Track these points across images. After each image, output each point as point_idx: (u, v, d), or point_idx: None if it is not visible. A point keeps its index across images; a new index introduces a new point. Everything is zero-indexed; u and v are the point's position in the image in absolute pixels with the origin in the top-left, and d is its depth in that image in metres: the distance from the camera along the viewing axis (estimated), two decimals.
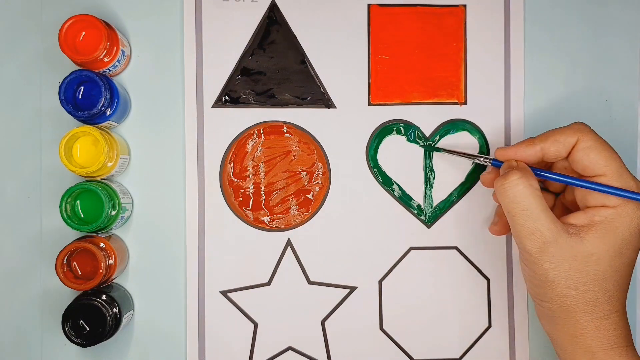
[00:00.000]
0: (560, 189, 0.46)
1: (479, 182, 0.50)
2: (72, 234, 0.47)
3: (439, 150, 0.49)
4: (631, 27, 0.51)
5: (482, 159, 0.46)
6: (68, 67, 0.46)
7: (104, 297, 0.45)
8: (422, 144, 0.50)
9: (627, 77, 0.51)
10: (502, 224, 0.48)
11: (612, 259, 0.40)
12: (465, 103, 0.50)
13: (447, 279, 0.50)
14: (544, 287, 0.41)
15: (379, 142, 0.50)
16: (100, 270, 0.44)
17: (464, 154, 0.48)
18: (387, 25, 0.50)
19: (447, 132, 0.50)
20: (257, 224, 0.49)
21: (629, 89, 0.51)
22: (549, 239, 0.40)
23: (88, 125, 0.45)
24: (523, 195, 0.41)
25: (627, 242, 0.41)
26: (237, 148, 0.49)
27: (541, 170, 0.44)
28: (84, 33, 0.46)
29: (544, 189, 0.47)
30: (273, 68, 0.49)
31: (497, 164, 0.45)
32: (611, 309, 0.41)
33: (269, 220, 0.49)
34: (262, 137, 0.50)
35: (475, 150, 0.50)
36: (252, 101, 0.49)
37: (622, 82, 0.51)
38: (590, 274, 0.40)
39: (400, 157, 0.50)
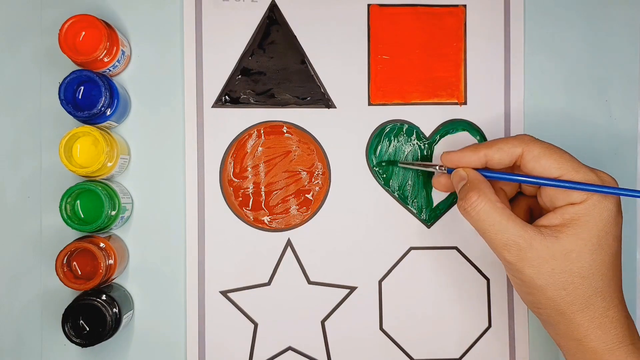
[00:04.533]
0: (535, 191, 0.46)
1: None
2: (72, 234, 0.47)
3: (395, 164, 0.50)
4: (631, 27, 0.51)
5: (437, 167, 0.46)
6: (68, 67, 0.46)
7: (104, 297, 0.45)
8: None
9: (627, 77, 0.51)
10: (445, 179, 0.47)
11: (592, 252, 0.40)
12: (465, 103, 0.50)
13: (447, 279, 0.50)
14: (534, 294, 0.41)
15: (379, 142, 0.50)
16: (100, 270, 0.44)
17: (421, 164, 0.48)
18: (387, 25, 0.50)
19: (447, 132, 0.50)
20: (257, 224, 0.49)
21: (629, 89, 0.51)
22: (523, 245, 0.40)
23: (88, 125, 0.45)
24: (486, 213, 0.41)
25: (603, 233, 0.40)
26: (237, 148, 0.49)
27: (492, 172, 0.44)
28: (84, 33, 0.46)
29: (521, 194, 0.47)
30: (273, 68, 0.49)
31: (451, 171, 0.45)
32: (607, 306, 0.41)
33: (269, 220, 0.49)
34: (262, 137, 0.50)
35: None
36: (252, 101, 0.49)
37: (622, 82, 0.51)
38: (574, 271, 0.40)
39: (400, 157, 0.50)
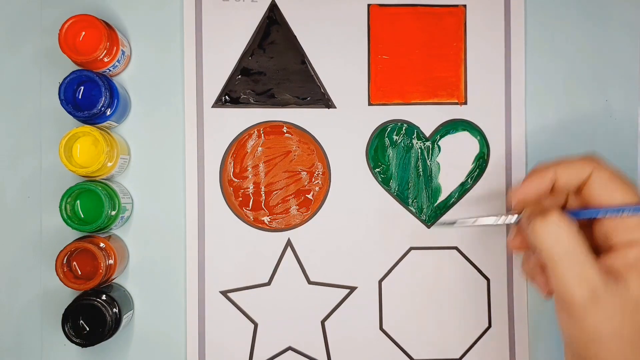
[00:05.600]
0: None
1: (479, 183, 0.50)
2: (72, 234, 0.47)
3: (452, 223, 0.44)
4: (632, 26, 0.51)
5: (502, 218, 0.41)
6: (68, 67, 0.46)
7: (104, 297, 0.45)
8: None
9: (628, 77, 0.51)
10: (522, 237, 0.42)
11: None
12: (465, 103, 0.50)
13: (447, 279, 0.50)
14: (593, 347, 0.35)
15: (379, 142, 0.50)
16: (100, 270, 0.44)
17: (481, 218, 0.42)
18: (387, 25, 0.50)
19: (447, 132, 0.50)
20: (257, 224, 0.49)
21: (629, 89, 0.51)
22: (599, 284, 0.35)
23: (88, 125, 0.45)
24: (566, 237, 0.36)
25: None
26: (237, 148, 0.49)
27: (573, 211, 0.39)
28: (84, 33, 0.46)
29: None
30: (273, 68, 0.49)
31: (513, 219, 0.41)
32: None
33: (269, 220, 0.49)
34: (262, 137, 0.50)
35: (474, 149, 0.50)
36: (252, 101, 0.49)
37: (623, 82, 0.51)
38: None
39: (400, 157, 0.50)
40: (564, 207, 0.41)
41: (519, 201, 0.40)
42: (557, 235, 0.36)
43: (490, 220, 0.41)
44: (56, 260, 0.44)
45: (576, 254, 0.36)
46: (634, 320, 0.35)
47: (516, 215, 0.41)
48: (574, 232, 0.36)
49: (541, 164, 0.40)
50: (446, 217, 0.50)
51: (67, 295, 0.47)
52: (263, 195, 0.49)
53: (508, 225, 0.48)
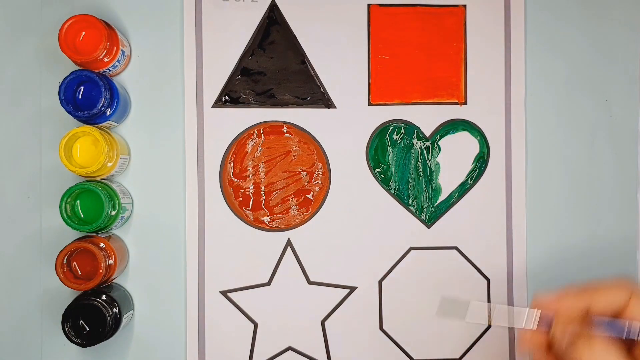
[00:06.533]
0: None
1: (479, 183, 0.50)
2: (72, 234, 0.47)
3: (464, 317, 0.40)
4: (631, 27, 0.51)
5: (529, 321, 0.38)
6: (68, 67, 0.46)
7: (104, 297, 0.45)
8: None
9: (627, 76, 0.51)
10: (542, 339, 0.39)
11: None
12: (465, 103, 0.50)
13: (447, 279, 0.50)
14: None
15: (379, 142, 0.50)
16: (100, 270, 0.44)
17: (504, 320, 0.39)
18: (387, 25, 0.50)
19: (447, 132, 0.50)
20: (257, 224, 0.49)
21: (629, 88, 0.51)
22: None
23: (88, 125, 0.45)
24: None
25: None
26: (237, 148, 0.49)
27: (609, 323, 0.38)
28: (84, 33, 0.46)
29: None
30: (273, 68, 0.49)
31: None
32: None
33: (269, 220, 0.49)
34: (262, 137, 0.50)
35: (474, 149, 0.50)
36: (252, 101, 0.49)
37: (622, 82, 0.51)
38: None
39: (400, 157, 0.50)
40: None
41: (548, 314, 0.39)
42: None
43: (518, 321, 0.38)
44: (56, 260, 0.44)
45: None
46: None
47: (538, 320, 0.38)
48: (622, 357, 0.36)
49: (572, 287, 0.39)
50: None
51: (67, 295, 0.47)
52: (263, 195, 0.49)
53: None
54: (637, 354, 0.38)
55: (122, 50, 0.47)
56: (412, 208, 0.50)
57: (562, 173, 0.50)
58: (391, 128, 0.50)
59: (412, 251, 0.50)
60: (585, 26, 0.51)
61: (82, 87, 0.46)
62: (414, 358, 0.50)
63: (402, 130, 0.50)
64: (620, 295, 0.38)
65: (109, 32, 0.45)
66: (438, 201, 0.50)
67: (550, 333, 0.38)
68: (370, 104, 0.50)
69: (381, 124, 0.50)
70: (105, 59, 0.46)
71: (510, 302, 0.50)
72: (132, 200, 0.49)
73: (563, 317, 0.38)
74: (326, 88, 0.50)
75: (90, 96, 0.46)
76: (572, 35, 0.50)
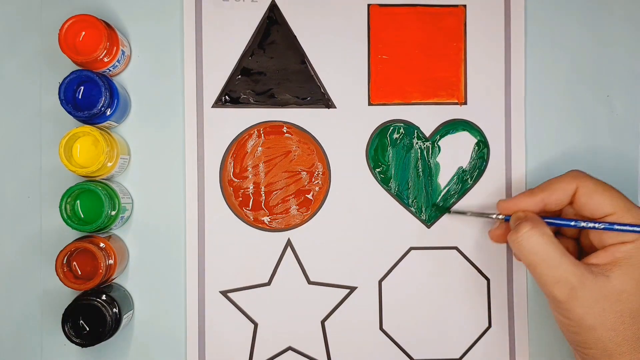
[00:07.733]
0: (576, 233, 0.46)
1: (479, 184, 0.50)
2: (72, 234, 0.47)
3: (448, 211, 0.50)
4: (632, 23, 0.51)
5: (493, 215, 0.46)
6: (68, 67, 0.46)
7: (104, 297, 0.45)
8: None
9: (629, 73, 0.51)
10: (502, 229, 0.47)
11: None
12: (465, 103, 0.50)
13: (447, 279, 0.50)
14: (583, 334, 0.40)
15: (379, 142, 0.50)
16: (100, 270, 0.44)
17: (475, 213, 0.48)
18: (387, 25, 0.50)
19: (447, 132, 0.50)
20: (257, 224, 0.49)
21: (630, 85, 0.51)
22: (575, 283, 0.39)
23: (88, 125, 0.45)
24: (539, 245, 0.40)
25: None
26: (237, 148, 0.49)
27: (552, 218, 0.44)
28: (84, 33, 0.46)
29: (559, 234, 0.46)
30: (273, 68, 0.49)
31: (509, 219, 0.45)
32: None
33: (269, 220, 0.49)
34: (262, 137, 0.50)
35: (474, 150, 0.50)
36: (252, 101, 0.49)
37: (624, 78, 0.51)
38: (625, 312, 0.39)
39: (400, 157, 0.50)
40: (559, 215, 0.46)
41: (508, 213, 0.45)
42: (531, 246, 0.41)
43: (489, 217, 0.47)
44: (56, 260, 0.44)
45: (550, 259, 0.40)
46: (616, 309, 0.39)
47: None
48: (546, 240, 0.40)
49: (528, 191, 0.44)
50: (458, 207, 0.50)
51: (67, 295, 0.47)
52: (263, 195, 0.49)
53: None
54: (591, 234, 0.43)
55: (122, 50, 0.47)
56: (412, 208, 0.50)
57: (563, 171, 0.50)
58: (391, 128, 0.50)
59: (412, 251, 0.50)
60: (586, 22, 0.50)
61: (82, 87, 0.46)
62: (414, 358, 0.50)
63: (402, 130, 0.50)
64: (568, 186, 0.42)
65: (109, 32, 0.45)
66: (438, 201, 0.50)
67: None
68: (370, 104, 0.50)
69: (381, 124, 0.50)
70: (105, 59, 0.46)
71: (511, 303, 0.50)
72: (132, 200, 0.49)
73: (517, 213, 0.44)
74: (326, 88, 0.50)
75: (90, 96, 0.46)
76: (572, 32, 0.50)
